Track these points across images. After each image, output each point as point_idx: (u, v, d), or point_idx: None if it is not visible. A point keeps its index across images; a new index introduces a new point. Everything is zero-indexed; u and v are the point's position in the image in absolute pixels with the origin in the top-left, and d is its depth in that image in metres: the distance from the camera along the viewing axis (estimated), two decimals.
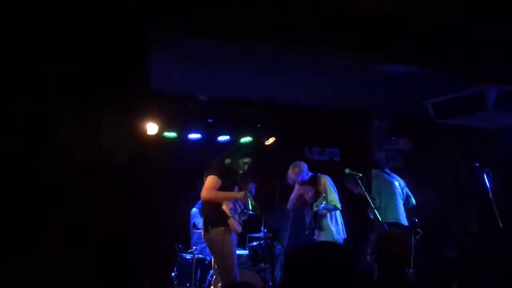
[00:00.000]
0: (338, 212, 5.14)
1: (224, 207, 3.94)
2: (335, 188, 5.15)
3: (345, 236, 5.10)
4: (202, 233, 4.17)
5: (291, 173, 5.19)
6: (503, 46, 4.36)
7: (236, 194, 4.07)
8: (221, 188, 4.00)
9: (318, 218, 5.03)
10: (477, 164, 4.62)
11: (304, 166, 5.27)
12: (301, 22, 3.41)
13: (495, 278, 5.10)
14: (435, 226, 6.20)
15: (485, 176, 4.47)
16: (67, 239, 2.45)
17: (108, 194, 2.50)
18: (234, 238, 4.10)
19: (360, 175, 4.73)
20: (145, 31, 2.72)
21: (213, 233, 3.95)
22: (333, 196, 5.07)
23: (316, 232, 5.02)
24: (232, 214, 3.96)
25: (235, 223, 3.99)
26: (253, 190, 4.21)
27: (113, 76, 2.62)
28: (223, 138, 6.05)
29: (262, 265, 5.11)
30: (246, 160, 4.23)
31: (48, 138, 2.42)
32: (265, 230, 5.32)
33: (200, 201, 4.87)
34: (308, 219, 5.15)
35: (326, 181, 5.09)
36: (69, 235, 2.46)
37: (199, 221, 5.58)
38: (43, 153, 2.41)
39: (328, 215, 5.06)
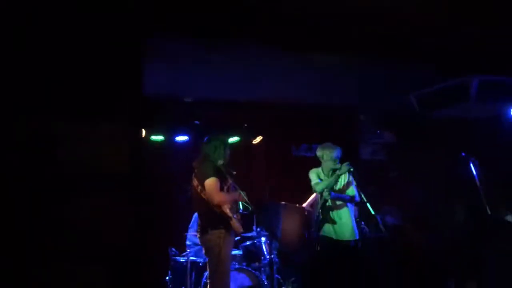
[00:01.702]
0: (351, 208, 4.85)
1: (224, 208, 3.89)
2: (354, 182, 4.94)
3: (358, 238, 4.78)
4: (198, 235, 4.09)
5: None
6: (485, 36, 4.45)
7: (236, 194, 4.04)
8: None
9: (326, 208, 4.75)
10: (463, 154, 4.69)
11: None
12: (288, 22, 3.43)
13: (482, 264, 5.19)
14: (421, 218, 6.31)
15: (471, 164, 4.54)
16: (71, 253, 2.42)
17: (111, 204, 2.48)
18: (232, 242, 4.07)
19: (352, 169, 4.75)
20: (141, 36, 2.71)
21: (213, 235, 3.88)
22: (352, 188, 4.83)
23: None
24: (232, 214, 3.93)
25: (236, 224, 3.96)
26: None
27: (108, 83, 2.60)
28: None
29: (257, 264, 5.11)
30: (227, 150, 4.15)
31: (48, 151, 2.40)
32: (258, 229, 5.32)
33: None
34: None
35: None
36: (73, 249, 2.43)
37: None
38: (44, 166, 2.38)
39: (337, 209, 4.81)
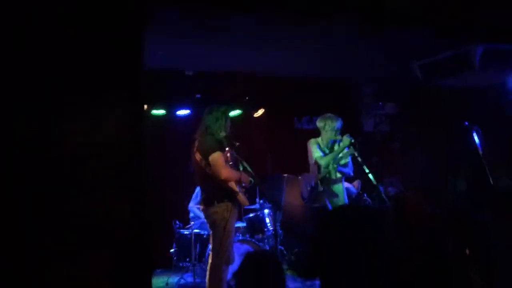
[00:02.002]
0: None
1: (231, 183, 3.86)
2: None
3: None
4: (202, 207, 4.04)
5: None
6: (488, 3, 4.37)
7: (242, 174, 4.00)
8: None
9: (325, 181, 4.72)
10: (466, 123, 4.66)
11: None
12: None
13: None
14: (423, 188, 6.33)
15: (474, 134, 4.51)
16: (75, 243, 2.43)
17: (112, 177, 2.47)
18: (236, 215, 4.05)
19: (353, 140, 4.73)
20: (142, 5, 2.66)
21: (219, 208, 3.85)
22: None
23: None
24: (238, 189, 3.90)
25: (242, 197, 3.94)
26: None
27: (109, 54, 2.57)
28: None
29: (260, 235, 5.17)
30: (229, 121, 4.08)
31: (48, 121, 2.38)
32: (261, 201, 5.36)
33: None
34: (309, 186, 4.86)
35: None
36: (77, 237, 2.43)
37: None
38: (45, 136, 2.37)
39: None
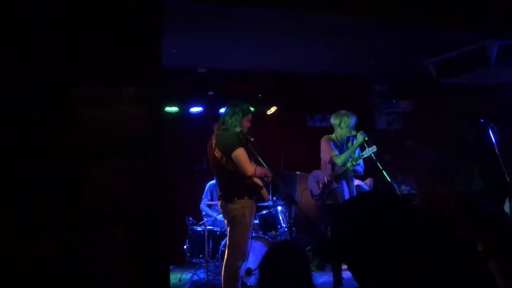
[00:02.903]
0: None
1: (255, 178, 3.82)
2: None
3: None
4: (222, 203, 3.93)
5: None
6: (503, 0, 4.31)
7: (267, 169, 3.91)
8: None
9: (340, 178, 4.77)
10: (482, 120, 4.60)
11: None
12: None
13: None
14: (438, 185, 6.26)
15: (490, 131, 4.46)
16: (93, 217, 2.45)
17: (132, 169, 2.49)
18: (255, 211, 4.00)
19: (367, 138, 4.71)
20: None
21: (239, 205, 3.79)
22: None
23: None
24: (261, 184, 3.87)
25: (264, 194, 3.91)
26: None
27: (128, 47, 2.59)
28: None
29: (273, 232, 5.17)
30: (246, 117, 4.02)
31: (68, 114, 2.41)
32: (274, 198, 5.35)
33: None
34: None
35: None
36: (95, 212, 2.46)
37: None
38: (64, 129, 2.39)
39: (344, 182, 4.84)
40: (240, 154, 3.78)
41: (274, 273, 1.86)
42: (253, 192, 3.87)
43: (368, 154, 4.63)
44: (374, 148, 4.60)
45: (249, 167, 3.77)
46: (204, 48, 5.20)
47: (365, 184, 5.63)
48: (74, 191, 2.43)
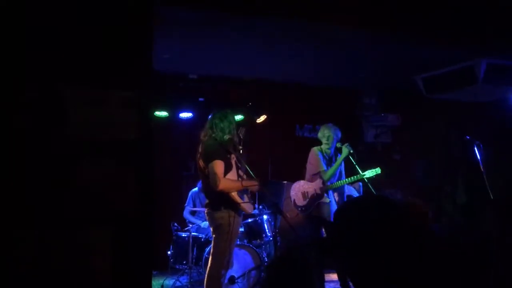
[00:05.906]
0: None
1: (233, 194, 3.73)
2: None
3: None
4: (208, 211, 3.86)
5: None
6: (493, 18, 4.40)
7: (249, 183, 3.80)
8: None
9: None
10: (468, 137, 4.67)
11: None
12: None
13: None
14: (424, 200, 6.32)
15: (475, 148, 4.52)
16: (80, 218, 2.43)
17: (120, 172, 2.48)
18: (241, 221, 3.95)
19: (352, 151, 4.77)
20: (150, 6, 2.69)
21: (224, 213, 3.73)
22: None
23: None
24: (241, 198, 3.77)
25: (246, 207, 3.81)
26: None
27: (119, 49, 2.59)
28: None
29: (258, 241, 5.16)
30: (233, 125, 3.90)
31: (58, 116, 2.40)
32: (260, 207, 5.35)
33: (200, 181, 4.70)
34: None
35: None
36: (82, 214, 2.44)
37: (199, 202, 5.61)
38: (52, 131, 2.38)
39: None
40: (215, 166, 3.65)
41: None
42: (235, 205, 3.79)
43: (370, 176, 4.70)
44: (378, 170, 4.68)
45: (220, 183, 3.62)
46: (196, 55, 5.22)
47: (354, 189, 5.68)
48: (60, 192, 2.41)
